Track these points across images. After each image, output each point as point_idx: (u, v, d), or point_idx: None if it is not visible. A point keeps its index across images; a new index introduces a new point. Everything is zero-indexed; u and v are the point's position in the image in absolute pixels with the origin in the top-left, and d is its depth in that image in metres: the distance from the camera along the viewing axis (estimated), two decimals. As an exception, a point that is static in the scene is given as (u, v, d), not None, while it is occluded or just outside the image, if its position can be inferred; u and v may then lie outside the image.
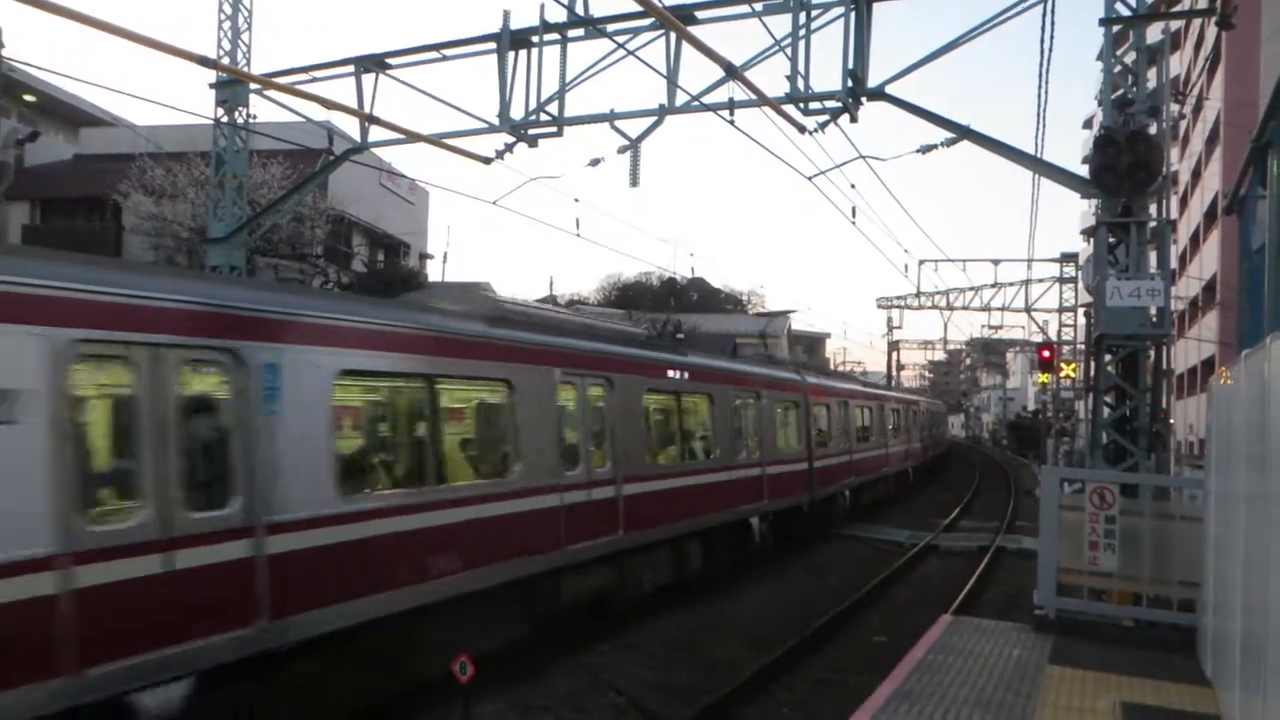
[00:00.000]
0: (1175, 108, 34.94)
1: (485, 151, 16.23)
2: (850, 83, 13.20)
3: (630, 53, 13.11)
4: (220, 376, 6.99)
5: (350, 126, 17.58)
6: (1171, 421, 29.17)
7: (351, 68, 16.28)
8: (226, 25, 18.58)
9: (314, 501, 7.49)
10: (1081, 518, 9.81)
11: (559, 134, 15.47)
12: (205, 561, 6.54)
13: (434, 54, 15.95)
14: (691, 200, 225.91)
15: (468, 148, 16.02)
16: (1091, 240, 13.12)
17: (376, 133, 16.39)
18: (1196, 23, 35.13)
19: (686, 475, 14.18)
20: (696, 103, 14.04)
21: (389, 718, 8.42)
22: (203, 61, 11.89)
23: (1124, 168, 11.37)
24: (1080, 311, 36.51)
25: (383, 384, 9.08)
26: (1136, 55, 12.39)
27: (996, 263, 40.96)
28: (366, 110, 15.99)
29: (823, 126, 13.73)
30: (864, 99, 13.40)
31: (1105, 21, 11.92)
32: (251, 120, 18.65)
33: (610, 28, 14.42)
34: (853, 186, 17.78)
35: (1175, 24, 31.55)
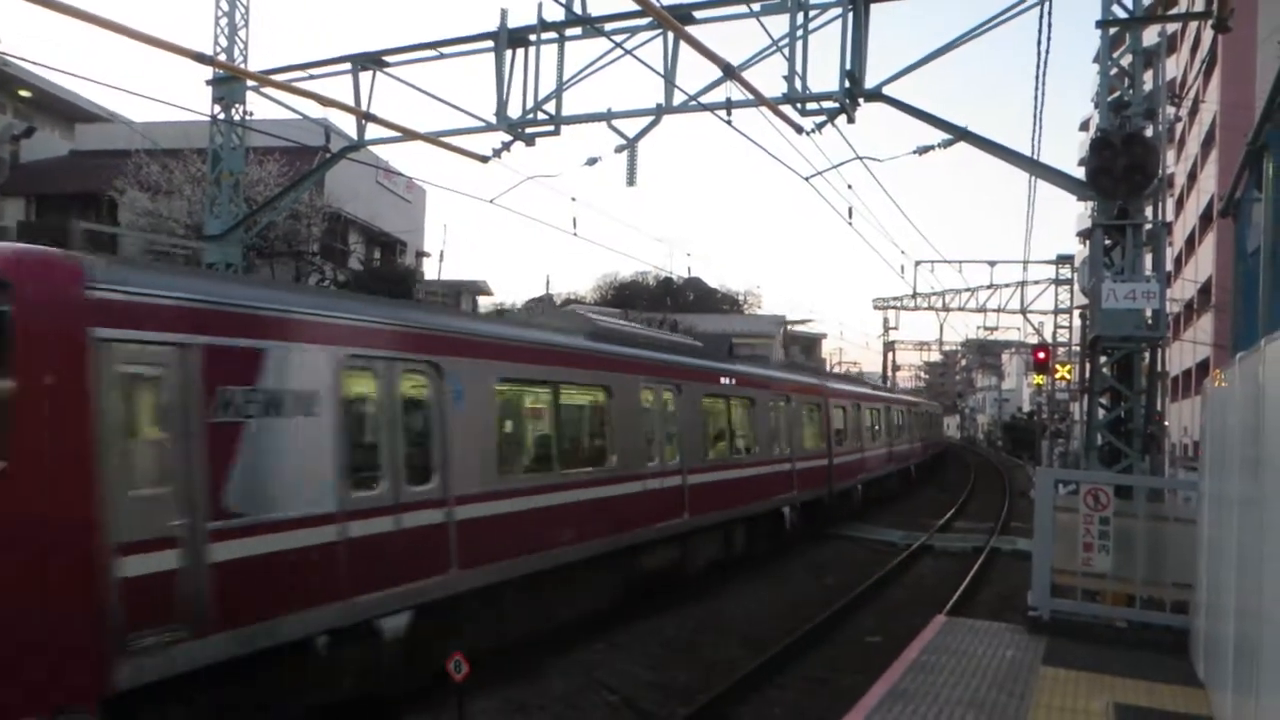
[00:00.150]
0: (1171, 110, 35.01)
1: (482, 150, 16.24)
2: (847, 83, 13.20)
3: (628, 52, 13.10)
4: (426, 383, 9.04)
5: (347, 124, 17.56)
6: (1166, 424, 29.23)
7: (349, 65, 16.24)
8: (224, 22, 18.55)
9: (484, 480, 9.59)
10: (1076, 519, 9.83)
11: (556, 133, 15.46)
12: (419, 523, 8.57)
13: (431, 52, 15.93)
14: (688, 200, 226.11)
15: (465, 146, 16.02)
16: (1087, 242, 13.14)
17: (374, 130, 16.37)
18: (1193, 25, 35.22)
19: (734, 468, 16.35)
20: (694, 102, 14.03)
21: (384, 716, 8.45)
22: (200, 58, 11.86)
23: (1120, 170, 11.39)
24: (1075, 313, 36.55)
25: (524, 389, 11.18)
26: (1133, 58, 12.41)
27: (992, 264, 40.98)
28: (364, 108, 15.98)
29: (820, 127, 13.73)
30: (861, 100, 13.40)
31: (1102, 24, 11.94)
32: (248, 117, 18.61)
33: (608, 27, 14.41)
34: (849, 187, 17.89)
35: (1172, 27, 31.63)
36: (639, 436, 13.04)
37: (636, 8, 11.55)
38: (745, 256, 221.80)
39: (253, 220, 19.29)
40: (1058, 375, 41.26)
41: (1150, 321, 11.56)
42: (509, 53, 15.19)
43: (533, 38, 15.12)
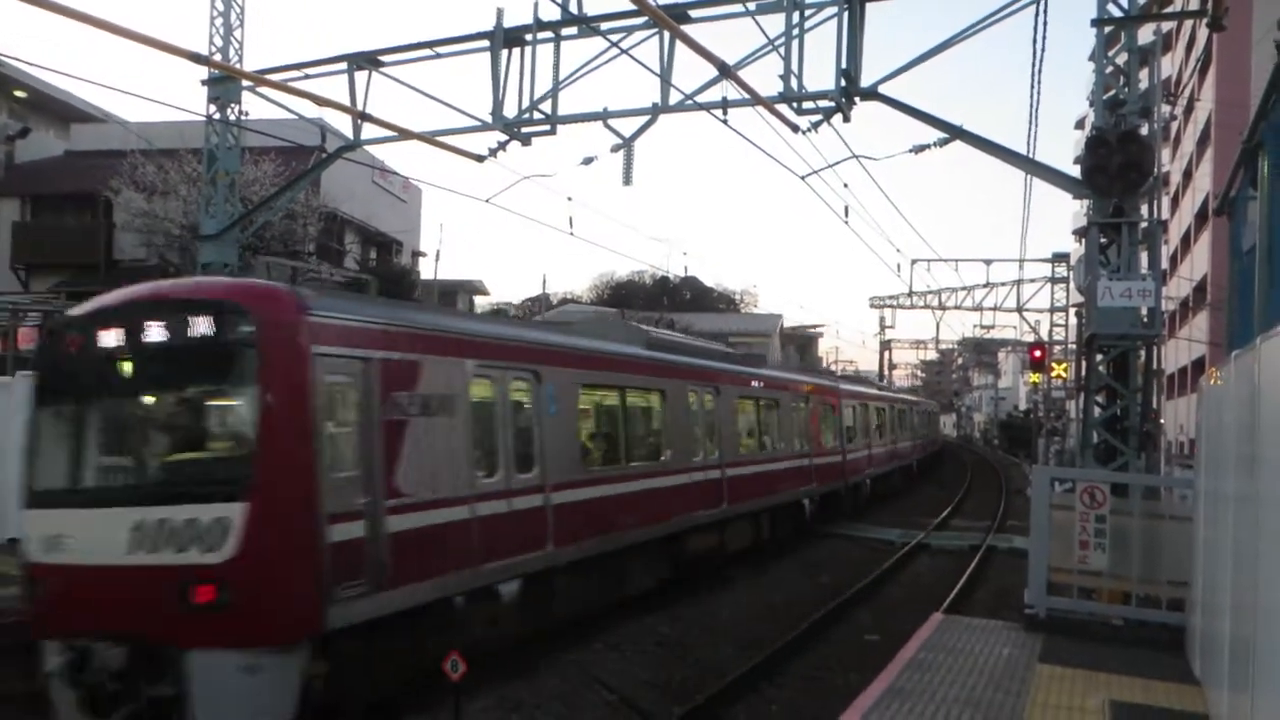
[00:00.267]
0: (1166, 109, 35.02)
1: (478, 149, 16.25)
2: (843, 82, 13.20)
3: (624, 51, 13.08)
4: (528, 387, 10.68)
5: (343, 124, 17.54)
6: (1162, 421, 29.27)
7: (344, 65, 16.22)
8: (219, 22, 18.50)
9: (571, 471, 11.27)
10: (1072, 517, 9.85)
11: (552, 132, 15.46)
12: (525, 506, 10.19)
13: (427, 51, 15.92)
14: (684, 199, 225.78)
15: (461, 146, 16.04)
16: (1083, 240, 13.18)
17: (369, 130, 16.35)
18: (1188, 24, 35.23)
19: (763, 463, 18.08)
20: (690, 102, 14.03)
21: (381, 715, 8.44)
22: (195, 58, 11.86)
23: (1115, 168, 11.40)
24: (1072, 311, 36.55)
25: (598, 393, 12.90)
26: (1128, 56, 12.43)
27: (988, 263, 40.98)
28: (359, 107, 15.96)
29: (816, 126, 13.75)
30: (857, 99, 13.41)
31: (1097, 22, 11.96)
32: (244, 117, 18.59)
33: (604, 26, 14.41)
34: (845, 186, 18.04)
35: (1167, 25, 31.62)
36: (687, 434, 14.77)
37: (632, 7, 11.55)
38: (742, 255, 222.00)
39: (248, 220, 19.26)
40: (1054, 373, 41.26)
41: (1146, 319, 11.58)
42: (505, 52, 15.18)
43: (528, 37, 15.12)
